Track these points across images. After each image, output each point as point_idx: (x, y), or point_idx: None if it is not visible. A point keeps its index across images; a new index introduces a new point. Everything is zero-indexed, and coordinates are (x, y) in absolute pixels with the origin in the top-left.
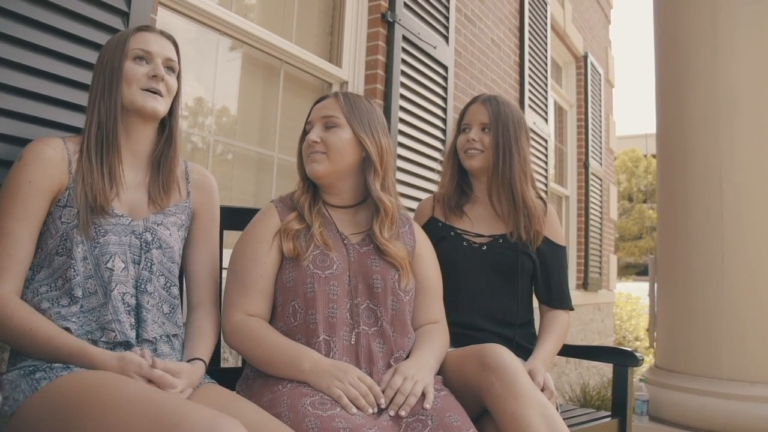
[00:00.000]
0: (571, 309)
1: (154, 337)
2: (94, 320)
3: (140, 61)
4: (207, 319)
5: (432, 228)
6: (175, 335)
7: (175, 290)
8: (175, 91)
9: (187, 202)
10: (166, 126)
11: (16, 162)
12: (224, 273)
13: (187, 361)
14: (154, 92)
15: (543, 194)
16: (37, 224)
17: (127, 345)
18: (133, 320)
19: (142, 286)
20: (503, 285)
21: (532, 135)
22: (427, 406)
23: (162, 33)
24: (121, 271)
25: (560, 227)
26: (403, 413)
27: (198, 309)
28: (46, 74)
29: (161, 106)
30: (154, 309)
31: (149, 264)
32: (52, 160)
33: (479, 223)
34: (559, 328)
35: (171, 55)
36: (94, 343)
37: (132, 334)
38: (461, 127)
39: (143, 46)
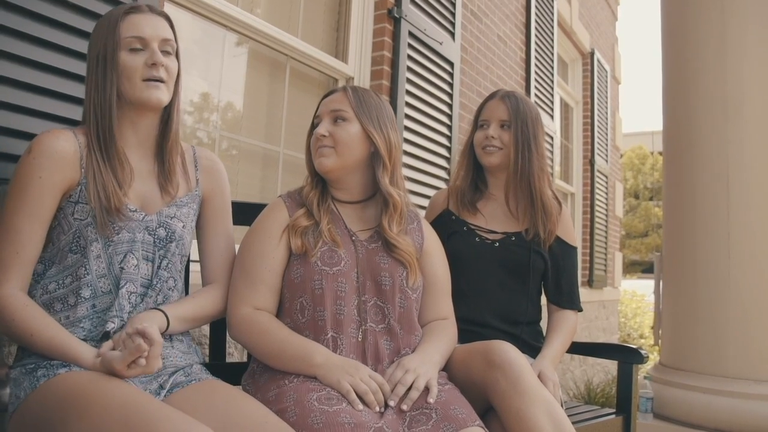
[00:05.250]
0: (580, 310)
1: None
2: (104, 319)
3: (135, 50)
4: (206, 290)
5: (445, 221)
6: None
7: (172, 282)
8: (176, 72)
9: (197, 190)
10: (166, 110)
11: (25, 155)
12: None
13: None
14: (156, 80)
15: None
16: (47, 221)
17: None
18: (127, 317)
19: (151, 282)
20: (514, 283)
21: None
22: (431, 400)
23: (153, 10)
24: (133, 269)
25: (573, 228)
26: (405, 407)
27: (207, 285)
28: (53, 69)
29: (164, 96)
30: (149, 300)
31: (160, 260)
32: (63, 155)
33: (493, 219)
34: (567, 329)
35: (166, 35)
36: (99, 341)
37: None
38: (479, 123)
39: (136, 33)
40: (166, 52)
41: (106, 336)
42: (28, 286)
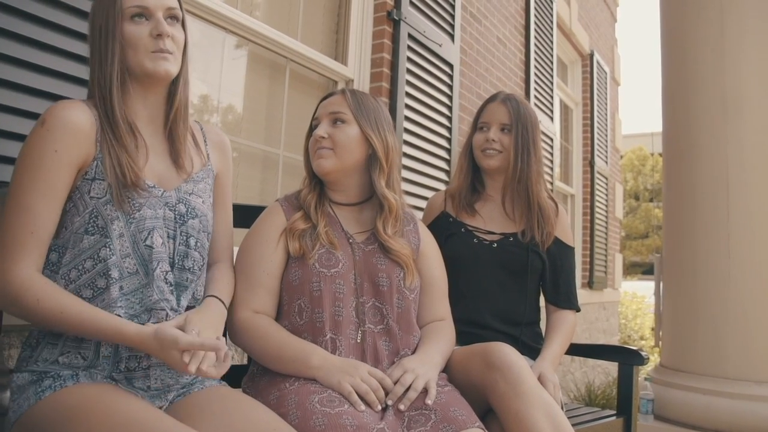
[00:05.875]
0: (578, 310)
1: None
2: (137, 302)
3: (139, 20)
4: (223, 270)
5: (443, 223)
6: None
7: (201, 261)
8: (183, 42)
9: (209, 165)
10: (175, 83)
11: (38, 127)
12: None
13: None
14: (164, 52)
15: (553, 195)
16: (62, 198)
17: None
18: (175, 301)
19: (180, 263)
20: (512, 283)
21: None
22: (429, 401)
23: None
24: (161, 247)
25: (570, 228)
26: (402, 407)
27: (214, 266)
28: (49, 71)
29: (173, 66)
30: (191, 285)
31: (185, 237)
32: (80, 127)
33: (491, 221)
34: (566, 329)
35: (170, 3)
36: None
37: (174, 315)
38: (478, 125)
39: (138, 2)
40: (172, 18)
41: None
42: (42, 265)
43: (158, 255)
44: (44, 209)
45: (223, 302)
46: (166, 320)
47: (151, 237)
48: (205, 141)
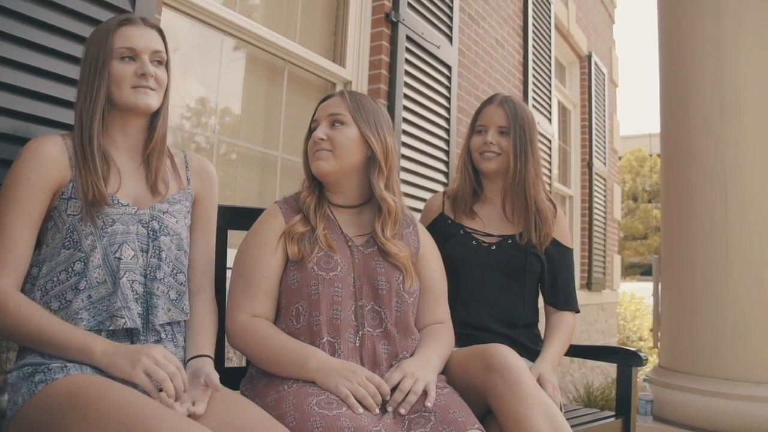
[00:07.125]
0: (578, 311)
1: (161, 325)
2: (104, 309)
3: (127, 60)
4: (208, 307)
5: (441, 225)
6: (178, 323)
7: (182, 277)
8: (165, 83)
9: (188, 189)
10: (155, 117)
11: (16, 160)
12: (228, 273)
13: (192, 357)
14: (146, 87)
15: (551, 196)
16: (37, 220)
17: (134, 333)
18: (140, 308)
19: (152, 274)
20: (510, 285)
21: None
22: (429, 404)
23: (145, 23)
24: (131, 259)
25: (568, 229)
26: (402, 411)
27: (198, 296)
28: (49, 74)
29: (153, 101)
30: (163, 296)
31: (158, 251)
32: (50, 157)
33: (489, 223)
34: (565, 330)
35: (157, 47)
36: (99, 332)
37: (139, 321)
38: (476, 128)
39: (127, 44)
40: (156, 63)
41: (120, 333)
42: (21, 283)
43: (126, 266)
44: (21, 230)
45: (210, 357)
46: (124, 327)
47: (121, 250)
48: (187, 168)
